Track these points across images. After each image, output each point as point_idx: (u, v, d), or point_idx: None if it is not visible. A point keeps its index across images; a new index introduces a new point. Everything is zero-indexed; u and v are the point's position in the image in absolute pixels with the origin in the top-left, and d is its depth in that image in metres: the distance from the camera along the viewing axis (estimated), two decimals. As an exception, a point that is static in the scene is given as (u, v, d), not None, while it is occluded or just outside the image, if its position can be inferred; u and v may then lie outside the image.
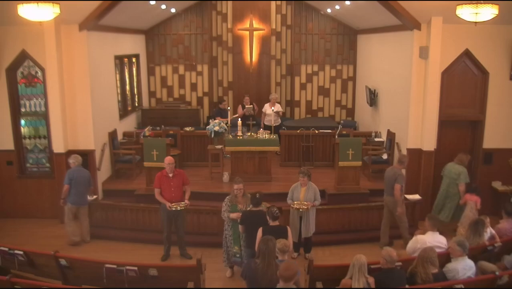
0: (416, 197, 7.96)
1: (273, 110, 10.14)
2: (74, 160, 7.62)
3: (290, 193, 7.03)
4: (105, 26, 8.99)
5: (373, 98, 10.80)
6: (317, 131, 10.22)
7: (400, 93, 9.01)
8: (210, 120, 10.09)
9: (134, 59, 11.95)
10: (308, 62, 13.18)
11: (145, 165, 8.43)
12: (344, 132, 10.07)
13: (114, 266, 5.39)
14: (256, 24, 12.76)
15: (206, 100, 13.35)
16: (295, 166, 9.82)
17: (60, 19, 7.10)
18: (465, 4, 6.04)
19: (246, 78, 13.04)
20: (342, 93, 13.35)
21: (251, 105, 10.92)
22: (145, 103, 12.82)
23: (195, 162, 10.21)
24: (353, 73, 13.18)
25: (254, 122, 10.35)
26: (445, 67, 8.26)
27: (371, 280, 4.74)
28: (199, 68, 13.18)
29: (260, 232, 5.62)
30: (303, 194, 6.90)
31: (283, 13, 13.01)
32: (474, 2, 5.97)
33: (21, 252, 5.71)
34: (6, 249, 5.76)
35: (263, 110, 10.80)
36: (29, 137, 8.80)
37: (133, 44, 11.82)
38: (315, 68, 13.22)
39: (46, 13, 5.78)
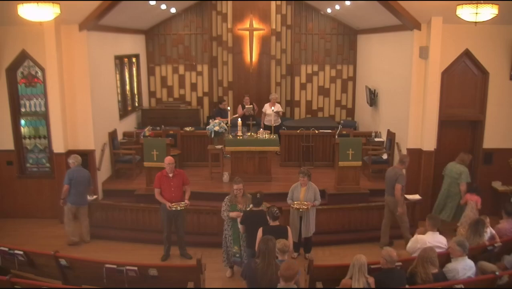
0: (416, 197, 7.96)
1: (273, 110, 10.14)
2: (73, 160, 7.62)
3: (290, 193, 7.03)
4: (105, 26, 8.99)
5: (373, 98, 10.80)
6: (317, 131, 10.22)
7: (400, 93, 9.01)
8: (210, 120, 10.10)
9: (134, 59, 11.95)
10: (308, 62, 13.18)
11: (145, 165, 8.44)
12: (344, 132, 10.07)
13: (114, 266, 5.39)
14: (256, 24, 12.76)
15: (206, 100, 13.35)
16: (295, 166, 9.82)
17: (60, 19, 7.09)
18: (465, 4, 6.04)
19: (246, 78, 13.04)
20: (342, 93, 13.35)
21: (251, 105, 10.93)
22: (145, 103, 12.83)
23: (195, 162, 10.21)
24: (353, 73, 13.18)
25: (254, 122, 10.36)
26: (445, 67, 8.26)
27: (371, 280, 4.74)
28: (199, 68, 13.18)
29: (260, 232, 5.62)
30: (303, 194, 6.90)
31: (283, 13, 13.01)
32: (474, 2, 5.97)
33: (21, 252, 5.71)
34: (6, 249, 5.76)
35: (263, 110, 10.80)
36: (29, 137, 8.80)
37: (133, 44, 11.82)
38: (315, 68, 13.22)
39: (46, 13, 5.78)
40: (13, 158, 8.69)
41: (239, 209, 6.31)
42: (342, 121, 12.40)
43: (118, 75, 10.50)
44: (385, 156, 9.47)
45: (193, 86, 13.26)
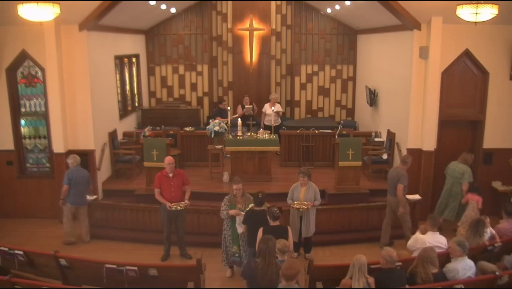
0: (416, 197, 7.96)
1: (273, 110, 10.14)
2: (72, 160, 7.62)
3: (290, 193, 7.03)
4: (105, 26, 8.99)
5: (373, 98, 10.80)
6: (317, 131, 10.22)
7: (400, 93, 9.01)
8: (210, 120, 10.09)
9: (134, 59, 11.95)
10: (308, 62, 13.18)
11: (145, 165, 8.44)
12: (344, 132, 10.07)
13: (114, 266, 5.39)
14: (256, 24, 12.76)
15: (206, 100, 13.35)
16: (295, 166, 9.82)
17: (60, 19, 7.09)
18: (465, 4, 6.04)
19: (246, 78, 13.04)
20: (342, 93, 13.35)
21: (251, 106, 10.93)
22: (145, 103, 12.82)
23: (195, 162, 10.21)
24: (353, 73, 13.18)
25: (254, 122, 10.36)
26: (445, 67, 8.26)
27: (371, 280, 4.74)
28: (199, 68, 13.18)
29: (260, 232, 5.62)
30: (303, 194, 6.90)
31: (283, 13, 13.01)
32: (474, 2, 5.97)
33: (21, 252, 5.71)
34: (6, 249, 5.76)
35: (263, 110, 10.80)
36: (29, 137, 8.80)
37: (133, 44, 11.82)
38: (315, 68, 13.22)
39: (46, 13, 5.78)
40: (13, 158, 8.69)
41: (239, 208, 6.31)
42: (342, 121, 12.39)
43: (118, 75, 10.50)
44: (385, 156, 9.47)
45: (193, 86, 13.26)
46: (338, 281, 4.91)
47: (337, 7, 11.14)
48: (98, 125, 8.81)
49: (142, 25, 12.24)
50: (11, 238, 7.66)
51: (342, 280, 4.83)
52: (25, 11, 5.69)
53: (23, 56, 8.33)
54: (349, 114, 13.42)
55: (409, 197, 7.91)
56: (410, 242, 5.92)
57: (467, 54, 8.28)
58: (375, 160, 9.48)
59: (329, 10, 12.05)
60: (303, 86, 13.31)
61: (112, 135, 9.64)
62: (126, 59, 11.19)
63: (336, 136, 9.29)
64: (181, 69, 13.18)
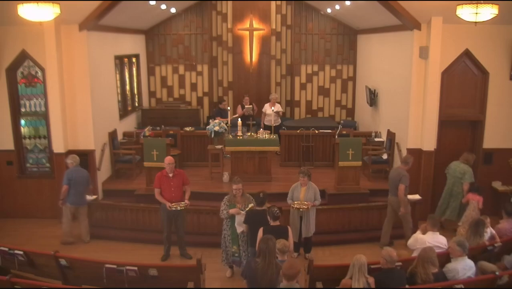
0: (416, 197, 7.96)
1: (273, 110, 10.14)
2: (72, 160, 7.62)
3: (290, 193, 7.03)
4: (105, 26, 8.99)
5: (373, 98, 10.80)
6: (317, 131, 10.22)
7: (400, 93, 9.01)
8: (210, 120, 10.09)
9: (134, 59, 11.95)
10: (308, 62, 13.18)
11: (145, 165, 8.43)
12: (344, 132, 10.07)
13: (114, 266, 5.39)
14: (256, 24, 12.76)
15: (206, 100, 13.35)
16: (295, 166, 9.82)
17: (60, 19, 7.09)
18: (465, 4, 6.04)
19: (246, 78, 13.04)
20: (342, 93, 13.35)
21: (251, 106, 10.93)
22: (145, 103, 12.82)
23: (195, 162, 10.20)
24: (353, 73, 13.18)
25: (254, 122, 10.36)
26: (445, 67, 8.26)
27: (371, 280, 4.74)
28: (199, 68, 13.18)
29: (260, 232, 5.62)
30: (303, 194, 6.90)
31: (283, 13, 13.01)
32: (474, 2, 5.97)
33: (21, 252, 5.71)
34: (6, 249, 5.75)
35: (263, 110, 10.80)
36: (29, 137, 8.80)
37: (133, 44, 11.82)
38: (315, 68, 13.22)
39: (46, 13, 5.78)
40: (13, 158, 8.69)
41: (238, 208, 6.32)
42: (342, 121, 12.40)
43: (118, 75, 10.50)
44: (385, 156, 9.47)
45: (193, 86, 13.26)
46: (338, 281, 4.91)
47: (337, 7, 11.14)
48: (98, 125, 8.81)
49: (142, 25, 12.24)
50: (11, 238, 7.66)
51: (342, 280, 4.83)
52: (25, 11, 5.69)
53: (23, 56, 8.33)
54: (349, 114, 13.42)
55: (409, 197, 7.90)
56: (410, 241, 5.94)
57: (467, 54, 8.28)
58: (375, 160, 9.48)
59: (329, 10, 12.05)
60: (303, 86, 13.31)
61: (112, 135, 9.64)
62: (126, 59, 11.19)
63: (336, 136, 9.29)
64: (181, 69, 13.18)
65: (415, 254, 5.66)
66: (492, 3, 5.91)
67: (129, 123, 11.41)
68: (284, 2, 12.94)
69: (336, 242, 7.73)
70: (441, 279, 4.94)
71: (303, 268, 5.49)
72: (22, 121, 8.73)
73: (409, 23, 8.14)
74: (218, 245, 6.76)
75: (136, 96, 12.17)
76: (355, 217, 7.92)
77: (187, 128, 10.47)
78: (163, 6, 10.89)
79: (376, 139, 10.27)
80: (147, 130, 10.03)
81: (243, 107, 10.93)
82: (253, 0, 12.61)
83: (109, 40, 9.70)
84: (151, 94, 13.23)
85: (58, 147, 8.32)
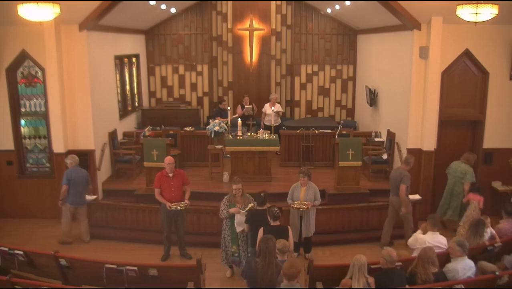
0: (416, 197, 7.96)
1: (273, 110, 10.14)
2: (71, 160, 7.62)
3: (290, 193, 7.03)
4: (105, 26, 8.99)
5: (373, 98, 10.79)
6: (317, 131, 10.22)
7: (400, 93, 9.01)
8: (210, 120, 10.09)
9: (134, 59, 11.95)
10: (308, 62, 13.18)
11: (145, 165, 8.43)
12: (344, 132, 10.06)
13: (114, 266, 5.39)
14: (256, 24, 12.76)
15: (206, 100, 13.35)
16: (295, 166, 9.82)
17: (60, 19, 7.09)
18: (465, 4, 6.04)
19: (246, 78, 13.04)
20: (342, 93, 13.35)
21: (251, 106, 10.93)
22: (145, 103, 12.82)
23: (195, 162, 10.20)
24: (353, 73, 13.18)
25: (254, 122, 10.36)
26: (445, 67, 8.26)
27: (371, 280, 4.74)
28: (199, 68, 13.18)
29: (261, 232, 5.62)
30: (303, 194, 6.90)
31: (283, 13, 13.01)
32: (474, 2, 5.97)
33: (21, 252, 5.71)
34: (6, 249, 5.75)
35: (263, 110, 10.80)
36: (29, 137, 8.80)
37: (133, 44, 11.82)
38: (315, 68, 13.22)
39: (46, 13, 5.78)
40: (13, 158, 8.69)
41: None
42: (342, 121, 12.40)
43: (118, 75, 10.50)
44: (385, 156, 9.47)
45: (193, 86, 13.26)
46: (338, 281, 4.91)
47: (337, 7, 11.14)
48: (98, 125, 8.81)
49: (142, 25, 12.24)
50: (11, 238, 7.66)
51: (342, 280, 4.83)
52: (25, 11, 5.69)
53: (23, 56, 8.33)
54: (349, 114, 13.42)
55: (410, 197, 7.92)
56: (410, 240, 5.94)
57: (467, 54, 8.28)
58: (375, 160, 9.48)
59: (329, 10, 12.05)
60: (303, 86, 13.31)
61: (112, 135, 9.64)
62: (126, 59, 11.19)
63: (336, 136, 9.29)
64: (181, 69, 13.18)
65: (415, 254, 5.66)
66: (492, 3, 5.91)
67: (129, 123, 11.41)
68: (284, 2, 12.94)
69: (336, 242, 7.72)
70: (441, 279, 4.94)
71: (303, 268, 5.49)
72: (22, 121, 8.73)
73: (409, 23, 8.14)
74: (218, 245, 6.76)
75: (136, 96, 12.17)
76: (355, 217, 7.92)
77: (187, 128, 10.47)
78: (163, 6, 10.89)
79: (376, 139, 10.27)
80: (147, 130, 10.04)
81: (243, 107, 10.93)
82: (253, 0, 12.61)
83: (109, 40, 9.69)
84: (151, 94, 13.23)
85: (58, 146, 8.32)
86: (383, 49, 10.51)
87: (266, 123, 10.56)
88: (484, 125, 8.54)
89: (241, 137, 9.13)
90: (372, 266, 5.02)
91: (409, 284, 4.91)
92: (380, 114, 10.60)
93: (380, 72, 10.70)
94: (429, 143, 8.39)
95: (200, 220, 7.77)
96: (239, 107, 11.17)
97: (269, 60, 13.11)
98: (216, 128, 9.15)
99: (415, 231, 6.42)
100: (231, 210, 6.29)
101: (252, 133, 9.38)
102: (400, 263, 5.16)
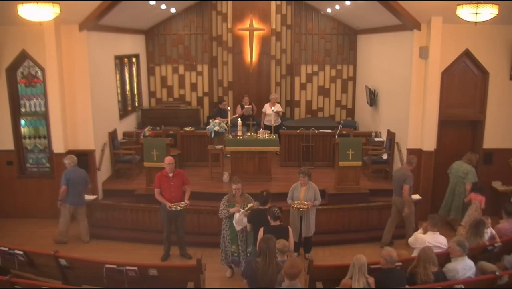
0: (416, 197, 7.96)
1: (273, 110, 10.14)
2: (69, 160, 7.62)
3: (290, 193, 7.03)
4: (105, 26, 8.99)
5: (373, 98, 10.79)
6: (317, 131, 10.22)
7: (400, 93, 9.01)
8: (210, 120, 10.09)
9: (134, 59, 11.95)
10: (308, 62, 13.18)
11: (145, 165, 8.43)
12: (344, 132, 10.06)
13: (114, 266, 5.39)
14: (256, 24, 12.76)
15: (206, 100, 13.35)
16: (295, 166, 9.81)
17: (60, 19, 7.09)
18: (465, 4, 6.04)
19: (246, 78, 13.04)
20: (342, 93, 13.35)
21: (250, 106, 10.93)
22: (145, 103, 12.82)
23: (195, 162, 10.20)
24: (353, 73, 13.18)
25: (254, 122, 10.36)
26: (445, 67, 8.27)
27: (371, 280, 4.73)
28: (199, 68, 13.18)
29: (261, 231, 5.62)
30: (303, 194, 6.91)
31: (283, 13, 13.01)
32: (474, 2, 5.97)
33: (21, 252, 5.71)
34: (6, 249, 5.75)
35: (263, 110, 10.80)
36: (29, 137, 8.80)
37: (133, 44, 11.82)
38: (315, 68, 13.22)
39: (46, 13, 5.78)
40: (13, 158, 8.69)
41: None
42: (342, 121, 12.39)
43: (118, 75, 10.50)
44: (385, 156, 9.46)
45: (193, 86, 13.26)
46: (338, 281, 4.91)
47: (337, 7, 11.14)
48: (98, 125, 8.81)
49: (142, 25, 12.24)
50: (11, 238, 7.66)
51: (342, 280, 4.83)
52: (25, 11, 5.69)
53: (23, 56, 8.33)
54: (349, 114, 13.41)
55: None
56: (411, 239, 5.94)
57: (467, 54, 8.28)
58: (375, 160, 9.48)
59: (329, 10, 12.05)
60: (303, 86, 13.31)
61: (112, 135, 9.64)
62: (126, 59, 11.18)
63: (336, 136, 9.29)
64: (181, 69, 13.18)
65: (414, 254, 5.66)
66: (492, 3, 5.91)
67: (129, 123, 11.41)
68: (284, 2, 12.94)
69: (336, 242, 7.73)
70: (441, 278, 4.94)
71: (303, 268, 5.49)
72: (22, 121, 8.73)
73: (409, 23, 8.14)
74: (218, 245, 6.76)
75: (136, 96, 12.16)
76: (355, 217, 7.92)
77: (187, 128, 10.47)
78: (163, 6, 10.89)
79: (376, 139, 10.27)
80: (147, 130, 10.03)
81: (242, 107, 10.93)
82: (253, 0, 12.61)
83: (109, 40, 9.69)
84: (151, 94, 13.23)
85: (58, 147, 8.32)
86: (383, 49, 10.51)
87: (266, 123, 10.56)
88: (484, 125, 8.54)
89: (241, 137, 9.13)
90: (372, 266, 5.02)
91: (409, 284, 4.91)
92: (380, 114, 10.60)
93: (380, 72, 10.70)
94: (429, 143, 8.39)
95: (200, 220, 7.77)
96: (238, 107, 11.17)
97: (269, 60, 13.11)
98: (216, 128, 9.14)
99: (416, 231, 6.42)
100: (232, 210, 6.30)
101: (252, 133, 9.38)
102: (400, 263, 5.16)
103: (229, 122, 9.83)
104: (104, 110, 9.28)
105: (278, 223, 5.78)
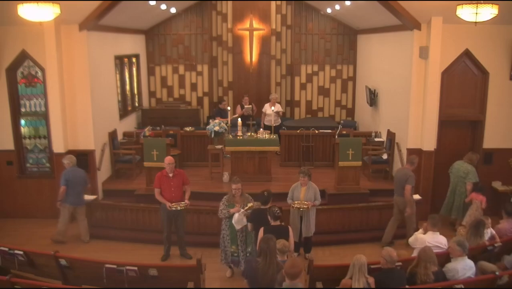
0: (416, 197, 7.96)
1: (273, 110, 10.14)
2: (68, 161, 7.62)
3: (290, 193, 7.03)
4: (105, 26, 8.99)
5: (373, 98, 10.79)
6: (317, 131, 10.22)
7: (400, 93, 9.01)
8: (210, 120, 10.10)
9: (134, 59, 11.94)
10: (308, 62, 13.18)
11: (145, 165, 8.43)
12: (344, 132, 10.06)
13: (114, 266, 5.39)
14: (256, 24, 12.76)
15: (206, 100, 13.35)
16: (295, 166, 9.81)
17: (60, 19, 7.09)
18: (465, 4, 6.05)
19: (246, 78, 13.04)
20: (342, 93, 13.35)
21: (250, 105, 10.94)
22: (145, 103, 12.82)
23: (195, 162, 10.20)
24: (353, 73, 13.18)
25: (254, 122, 10.36)
26: (445, 67, 8.27)
27: (371, 280, 4.73)
28: (199, 68, 13.18)
29: (261, 231, 5.62)
30: (303, 194, 6.91)
31: (283, 13, 13.01)
32: (474, 2, 5.98)
33: (21, 252, 5.71)
34: (6, 249, 5.75)
35: (263, 110, 10.80)
36: (29, 137, 8.80)
37: (133, 44, 11.82)
38: (315, 68, 13.21)
39: (46, 13, 5.78)
40: (13, 158, 8.69)
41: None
42: (342, 121, 12.39)
43: (118, 75, 10.50)
44: (385, 156, 9.46)
45: (193, 86, 13.26)
46: (338, 281, 4.91)
47: (337, 7, 11.14)
48: (98, 125, 8.81)
49: (142, 25, 12.24)
50: (11, 238, 7.66)
51: (342, 280, 4.83)
52: (25, 11, 5.69)
53: (23, 56, 8.33)
54: (349, 114, 13.41)
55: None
56: (411, 239, 5.95)
57: (467, 54, 8.28)
58: (375, 160, 9.48)
59: (329, 10, 12.04)
60: (303, 86, 13.31)
61: (112, 135, 9.64)
62: (126, 59, 11.18)
63: (336, 136, 9.29)
64: (181, 69, 13.18)
65: (414, 254, 5.66)
66: (492, 3, 5.91)
67: (129, 123, 11.41)
68: (284, 2, 12.94)
69: (336, 242, 7.73)
70: (441, 278, 4.94)
71: (303, 268, 5.49)
72: (22, 121, 8.73)
73: (409, 23, 8.14)
74: (218, 245, 6.76)
75: (136, 96, 12.16)
76: (355, 217, 7.92)
77: (187, 128, 10.47)
78: (163, 6, 10.89)
79: (376, 139, 10.27)
80: (147, 130, 10.03)
81: (242, 107, 10.94)
82: (253, 0, 12.61)
83: (109, 40, 9.69)
84: (151, 94, 13.23)
85: (58, 147, 8.32)
86: (383, 49, 10.51)
87: (266, 123, 10.56)
88: (484, 125, 8.54)
89: (241, 137, 9.13)
90: (372, 266, 5.02)
91: (409, 284, 4.91)
92: (380, 114, 10.60)
93: (380, 72, 10.70)
94: (429, 143, 8.39)
95: (200, 220, 7.77)
96: (238, 107, 11.18)
97: (269, 60, 13.11)
98: (216, 128, 9.15)
99: (417, 231, 6.42)
100: (232, 210, 6.29)
101: (252, 133, 9.38)
102: (400, 263, 5.16)
103: (229, 122, 9.83)
104: (104, 110, 9.28)
105: (278, 223, 5.78)
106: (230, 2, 12.82)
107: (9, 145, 8.64)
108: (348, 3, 10.05)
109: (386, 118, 10.11)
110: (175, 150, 9.75)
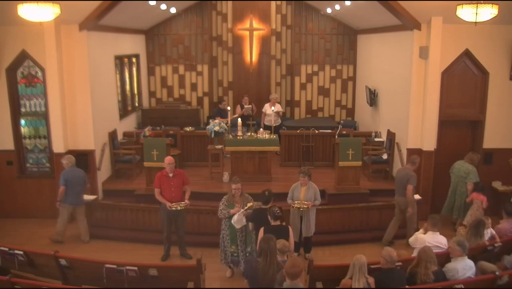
0: (417, 197, 7.95)
1: (273, 110, 10.14)
2: (67, 161, 7.62)
3: (290, 193, 7.03)
4: (105, 26, 8.99)
5: (373, 98, 10.79)
6: (317, 131, 10.22)
7: (400, 93, 9.01)
8: (210, 120, 10.10)
9: (134, 59, 11.94)
10: (308, 62, 13.18)
11: (145, 165, 8.43)
12: (344, 132, 10.06)
13: (114, 266, 5.39)
14: (256, 24, 12.76)
15: (206, 100, 13.35)
16: (295, 166, 9.82)
17: (60, 19, 7.08)
18: (465, 4, 6.04)
19: (246, 78, 13.04)
20: (342, 93, 13.35)
21: (250, 105, 10.94)
22: (145, 103, 12.82)
23: (195, 162, 10.20)
24: (353, 73, 13.18)
25: (254, 122, 10.36)
26: (445, 67, 8.27)
27: (371, 280, 4.73)
28: (199, 68, 13.18)
29: (261, 231, 5.62)
30: (303, 194, 6.91)
31: (283, 13, 13.01)
32: (474, 2, 5.97)
33: (21, 252, 5.71)
34: (6, 249, 5.76)
35: (263, 110, 10.80)
36: (29, 137, 8.80)
37: (133, 44, 11.82)
38: (315, 68, 13.21)
39: (46, 13, 5.78)
40: (13, 158, 8.69)
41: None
42: (342, 121, 12.39)
43: (118, 75, 10.50)
44: (385, 156, 9.47)
45: (193, 86, 13.26)
46: (338, 281, 4.91)
47: (337, 7, 11.14)
48: (98, 125, 8.81)
49: (142, 25, 12.24)
50: (11, 238, 7.66)
51: (342, 280, 4.83)
52: (25, 11, 5.69)
53: (23, 56, 8.33)
54: (349, 114, 13.41)
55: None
56: (411, 239, 5.95)
57: (467, 54, 8.28)
58: (375, 160, 9.48)
59: (329, 10, 12.04)
60: (303, 86, 13.31)
61: (112, 135, 9.64)
62: (126, 59, 11.18)
63: (336, 136, 9.28)
64: (181, 69, 13.18)
65: (414, 254, 5.66)
66: (492, 3, 5.91)
67: (129, 123, 11.41)
68: (284, 2, 12.94)
69: (336, 242, 7.73)
70: (441, 278, 4.94)
71: (304, 267, 5.49)
72: (22, 121, 8.73)
73: (409, 23, 8.14)
74: (218, 245, 6.76)
75: (136, 96, 12.16)
76: (355, 217, 7.92)
77: (187, 128, 10.47)
78: (163, 6, 10.89)
79: (376, 139, 10.27)
80: (147, 130, 10.03)
81: (242, 107, 10.94)
82: (253, 0, 12.61)
83: (109, 40, 9.69)
84: (151, 94, 13.23)
85: (58, 147, 8.32)
86: (383, 49, 10.51)
87: (266, 123, 10.56)
88: (484, 125, 8.54)
89: (241, 137, 9.13)
90: (372, 266, 5.02)
91: (409, 284, 4.91)
92: (380, 114, 10.60)
93: (380, 72, 10.70)
94: (429, 143, 8.39)
95: (200, 220, 7.77)
96: (238, 107, 11.18)
97: (269, 60, 13.11)
98: (216, 128, 9.15)
99: (417, 231, 6.42)
100: (232, 211, 6.29)
101: (252, 133, 9.38)
102: (400, 263, 5.16)
103: (229, 122, 9.83)
104: (104, 110, 9.28)
105: (278, 223, 5.78)
106: (230, 2, 12.82)
107: (9, 144, 8.64)
108: (348, 3, 10.05)
109: (386, 118, 10.11)
110: (175, 150, 9.75)
